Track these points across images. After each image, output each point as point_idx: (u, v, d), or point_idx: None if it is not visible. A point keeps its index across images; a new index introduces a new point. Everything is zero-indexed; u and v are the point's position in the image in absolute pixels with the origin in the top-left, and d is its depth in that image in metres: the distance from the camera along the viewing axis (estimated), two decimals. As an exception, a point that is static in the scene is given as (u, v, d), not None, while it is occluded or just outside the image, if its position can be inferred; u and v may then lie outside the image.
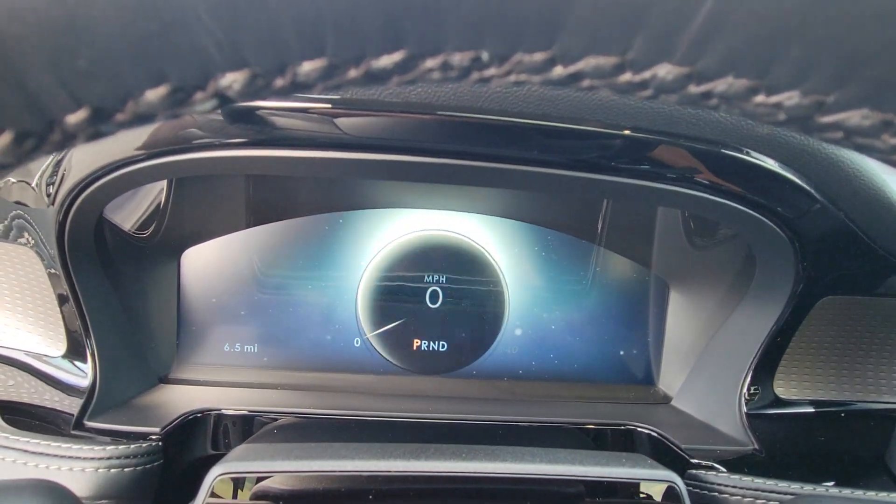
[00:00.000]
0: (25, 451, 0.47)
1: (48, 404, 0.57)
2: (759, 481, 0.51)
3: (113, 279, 0.62)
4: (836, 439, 0.62)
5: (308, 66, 0.15)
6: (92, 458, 0.47)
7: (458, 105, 0.48)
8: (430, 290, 0.74)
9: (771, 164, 0.52)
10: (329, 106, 0.48)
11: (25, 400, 0.56)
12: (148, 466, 0.50)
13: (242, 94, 0.15)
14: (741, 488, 0.51)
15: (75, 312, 0.56)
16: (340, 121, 0.49)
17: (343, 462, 0.42)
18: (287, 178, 0.72)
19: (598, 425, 0.63)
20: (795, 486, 0.50)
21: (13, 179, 0.55)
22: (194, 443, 0.58)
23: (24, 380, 0.56)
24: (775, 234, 0.56)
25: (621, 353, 0.77)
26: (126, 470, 0.48)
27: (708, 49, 0.15)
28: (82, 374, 0.57)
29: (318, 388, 0.70)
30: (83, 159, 0.51)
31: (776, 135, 0.51)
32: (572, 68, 0.15)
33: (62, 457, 0.47)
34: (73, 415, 0.55)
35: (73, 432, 0.53)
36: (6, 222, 0.57)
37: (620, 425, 0.63)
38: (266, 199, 0.72)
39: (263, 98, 0.15)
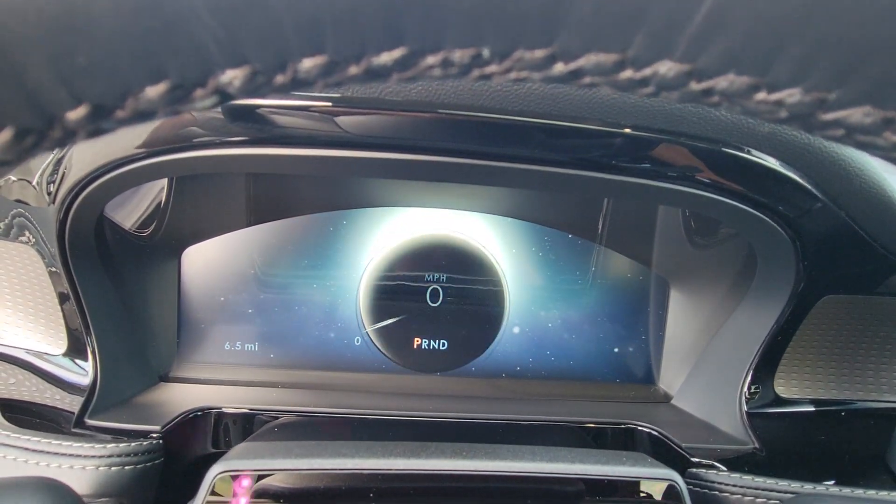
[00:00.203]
0: (26, 448, 0.47)
1: (49, 402, 0.57)
2: (760, 480, 0.51)
3: (113, 277, 0.62)
4: (837, 438, 0.62)
5: (308, 63, 0.15)
6: (93, 456, 0.47)
7: (458, 103, 0.48)
8: (431, 288, 0.74)
9: (772, 162, 0.52)
10: (330, 104, 0.48)
11: (26, 398, 0.56)
12: (149, 464, 0.50)
13: (242, 91, 0.15)
14: (741, 487, 0.51)
15: (76, 311, 0.56)
16: (341, 119, 0.49)
17: (343, 460, 0.42)
18: (287, 177, 0.72)
19: (599, 424, 0.63)
20: (796, 485, 0.50)
21: (14, 178, 0.55)
22: (195, 441, 0.58)
23: (24, 378, 0.56)
24: (776, 232, 0.56)
25: (621, 351, 0.77)
26: (127, 468, 0.48)
27: (709, 46, 0.15)
28: (83, 373, 0.57)
29: (318, 387, 0.70)
30: (84, 157, 0.51)
31: (777, 133, 0.51)
32: (573, 65, 0.15)
33: (63, 455, 0.47)
34: (73, 413, 0.55)
35: (73, 430, 0.53)
36: (7, 220, 0.57)
37: (620, 424, 0.63)
38: (267, 198, 0.72)
39: (264, 95, 0.15)
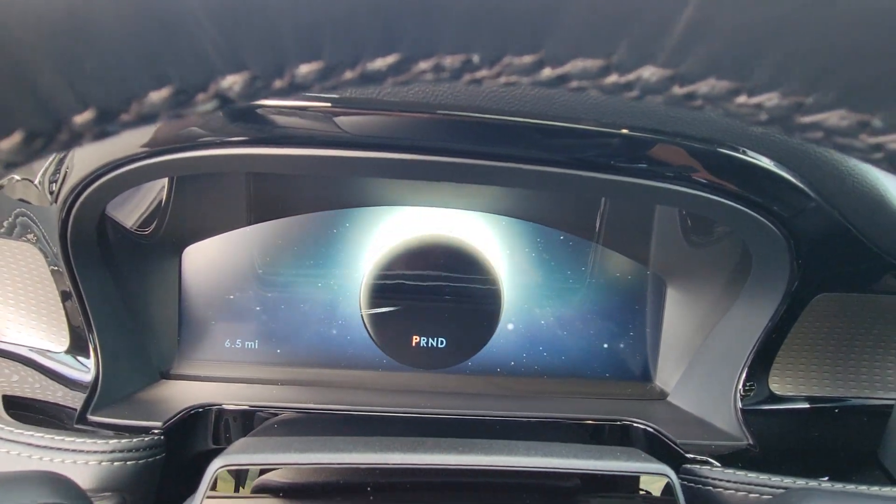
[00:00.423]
0: (30, 444, 0.47)
1: (51, 399, 0.57)
2: (753, 475, 0.52)
3: (115, 276, 0.63)
4: (831, 435, 0.62)
5: (305, 69, 0.15)
6: (95, 452, 0.48)
7: (455, 104, 0.49)
8: (429, 287, 0.74)
9: (766, 162, 0.53)
10: (328, 105, 0.48)
11: (29, 395, 0.57)
12: (150, 460, 0.51)
13: (242, 96, 0.15)
14: (735, 482, 0.52)
15: (78, 308, 0.57)
16: (340, 119, 0.49)
17: (343, 455, 0.42)
18: (287, 176, 0.73)
19: (595, 421, 0.64)
20: (788, 481, 0.51)
21: (17, 177, 0.56)
22: (196, 437, 0.59)
23: (27, 374, 0.57)
24: (771, 231, 0.56)
25: (618, 349, 0.77)
26: (129, 463, 0.49)
27: (690, 53, 0.15)
28: (85, 369, 0.57)
29: (318, 384, 0.71)
30: (85, 157, 0.52)
31: (771, 134, 0.51)
32: (560, 70, 0.16)
33: (66, 450, 0.48)
34: (76, 409, 0.55)
35: (76, 426, 0.54)
36: (10, 219, 0.58)
37: (616, 421, 0.64)
38: (266, 197, 0.73)
39: (263, 98, 0.16)
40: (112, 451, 0.48)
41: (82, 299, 0.57)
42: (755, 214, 0.55)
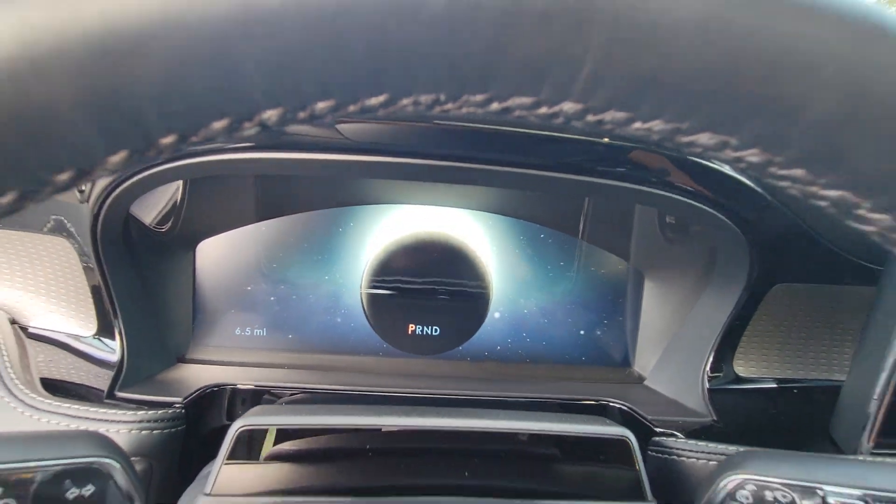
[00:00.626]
0: (68, 415, 0.53)
1: (82, 381, 0.63)
2: (712, 445, 0.58)
3: (137, 268, 0.69)
4: (788, 412, 0.68)
5: (321, 105, 0.21)
6: (125, 422, 0.54)
7: (452, 115, 0.54)
8: (424, 279, 0.80)
9: (727, 168, 0.59)
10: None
11: (63, 377, 0.63)
12: (173, 430, 0.57)
13: (277, 124, 0.22)
14: (695, 451, 0.58)
15: (105, 297, 0.63)
16: (343, 126, 0.55)
17: (350, 417, 0.49)
18: (292, 177, 0.79)
19: (575, 400, 0.70)
20: (742, 449, 0.57)
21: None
22: (211, 413, 0.65)
23: (60, 357, 0.63)
24: (731, 229, 0.62)
25: (600, 337, 0.83)
26: (154, 432, 0.55)
27: (594, 92, 0.21)
28: (111, 351, 0.63)
29: (322, 368, 0.76)
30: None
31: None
32: (505, 104, 0.22)
33: (100, 420, 0.54)
34: (103, 390, 0.61)
35: (105, 401, 0.60)
36: (47, 218, 0.64)
37: (595, 401, 0.70)
38: (273, 196, 0.79)
39: (290, 125, 0.22)
40: (140, 421, 0.55)
41: (109, 289, 0.63)
42: (717, 213, 0.61)
